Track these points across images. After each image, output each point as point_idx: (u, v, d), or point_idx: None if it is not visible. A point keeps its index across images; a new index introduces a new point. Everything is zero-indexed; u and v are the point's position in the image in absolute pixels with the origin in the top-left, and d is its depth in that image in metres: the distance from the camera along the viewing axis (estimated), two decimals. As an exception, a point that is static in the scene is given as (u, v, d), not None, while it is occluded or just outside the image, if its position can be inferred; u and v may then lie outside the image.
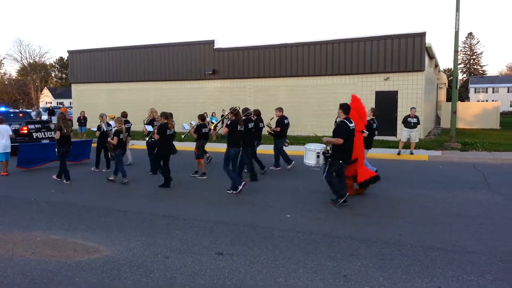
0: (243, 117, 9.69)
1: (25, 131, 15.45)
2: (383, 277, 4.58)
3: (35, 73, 60.32)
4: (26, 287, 4.47)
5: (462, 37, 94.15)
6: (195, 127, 10.84)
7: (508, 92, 78.55)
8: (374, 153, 15.18)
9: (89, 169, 12.08)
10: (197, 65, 24.07)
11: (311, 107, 21.70)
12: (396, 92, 20.08)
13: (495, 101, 43.06)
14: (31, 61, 59.58)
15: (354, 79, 20.85)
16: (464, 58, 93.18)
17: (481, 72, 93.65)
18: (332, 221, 6.73)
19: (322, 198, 8.32)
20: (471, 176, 10.75)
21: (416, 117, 14.90)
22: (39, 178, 10.99)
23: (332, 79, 21.23)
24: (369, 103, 20.49)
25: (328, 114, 21.13)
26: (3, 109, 17.75)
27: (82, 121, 21.39)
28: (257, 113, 11.38)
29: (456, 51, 16.82)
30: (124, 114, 13.10)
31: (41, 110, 30.56)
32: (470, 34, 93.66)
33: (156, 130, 9.61)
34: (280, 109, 11.81)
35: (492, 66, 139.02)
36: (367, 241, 5.70)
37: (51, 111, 29.41)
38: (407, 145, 15.13)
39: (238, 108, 8.81)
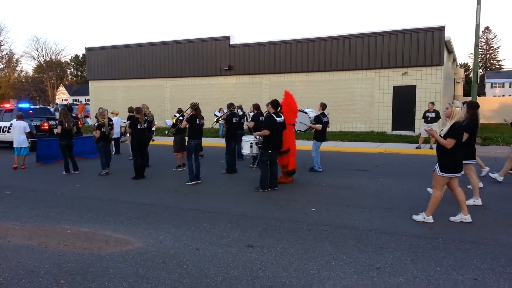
0: (228, 112, 10.83)
1: (46, 127, 15.70)
2: (416, 269, 4.56)
3: (51, 70, 61.03)
4: (63, 277, 4.55)
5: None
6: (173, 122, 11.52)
7: (523, 86, 77.20)
8: (396, 148, 15.14)
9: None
10: (213, 61, 24.14)
11: (327, 102, 21.40)
12: (415, 87, 19.87)
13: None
14: (48, 59, 60.27)
15: (371, 74, 20.69)
16: (481, 52, 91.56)
17: (498, 66, 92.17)
18: (359, 215, 6.71)
19: (346, 193, 8.31)
20: (493, 170, 10.58)
21: (435, 111, 14.72)
22: (58, 172, 11.14)
23: (349, 74, 21.09)
24: (386, 98, 20.45)
25: (345, 110, 21.09)
26: (27, 105, 18.00)
27: (89, 117, 21.62)
28: (257, 107, 11.49)
29: (476, 45, 16.59)
30: (131, 110, 13.32)
31: (59, 106, 30.92)
32: (487, 28, 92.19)
33: (128, 124, 10.29)
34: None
35: (509, 60, 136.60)
36: (396, 235, 5.67)
37: (69, 108, 29.75)
38: (427, 140, 15.00)
39: (197, 104, 9.41)
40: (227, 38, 23.70)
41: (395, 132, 19.96)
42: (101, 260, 5.01)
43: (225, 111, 12.20)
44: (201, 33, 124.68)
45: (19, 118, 11.81)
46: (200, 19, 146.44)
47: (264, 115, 11.85)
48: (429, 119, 14.65)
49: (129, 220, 6.66)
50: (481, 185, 8.10)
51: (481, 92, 76.11)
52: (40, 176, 10.90)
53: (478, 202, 7.21)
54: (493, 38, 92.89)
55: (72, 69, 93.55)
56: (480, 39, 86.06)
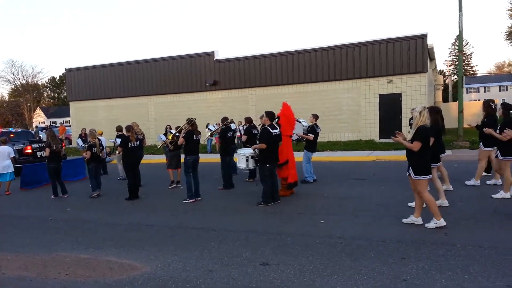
0: (223, 126, 10.59)
1: (30, 151, 15.16)
2: (444, 278, 4.36)
3: (27, 93, 59.79)
4: (70, 310, 4.20)
5: (451, 39, 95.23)
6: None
7: (499, 91, 79.23)
8: (387, 155, 15.10)
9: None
10: (198, 77, 23.95)
11: (315, 113, 21.51)
12: (400, 94, 20.04)
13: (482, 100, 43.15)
14: (24, 82, 59.09)
15: (357, 83, 20.80)
16: (455, 59, 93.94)
17: (472, 72, 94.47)
18: (370, 225, 6.51)
19: (350, 203, 8.13)
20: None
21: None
22: (46, 197, 10.67)
23: (335, 84, 21.17)
24: (373, 107, 20.54)
25: (332, 120, 21.08)
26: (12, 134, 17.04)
27: (83, 138, 21.03)
28: (249, 120, 11.40)
29: (460, 51, 16.89)
30: (119, 128, 13.03)
31: (38, 130, 30.19)
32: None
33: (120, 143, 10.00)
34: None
35: (482, 66, 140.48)
36: (414, 244, 5.48)
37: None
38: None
39: (194, 119, 9.25)
40: (212, 54, 23.58)
41: (383, 140, 20.01)
42: (109, 288, 4.67)
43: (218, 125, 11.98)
44: (185, 49, 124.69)
45: (3, 143, 11.33)
46: (183, 35, 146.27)
47: (258, 127, 11.74)
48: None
49: (130, 243, 6.31)
50: (450, 188, 8.60)
51: (457, 98, 77.66)
52: (27, 202, 10.41)
53: (445, 203, 7.34)
54: (466, 45, 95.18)
55: (49, 92, 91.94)
56: (453, 46, 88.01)
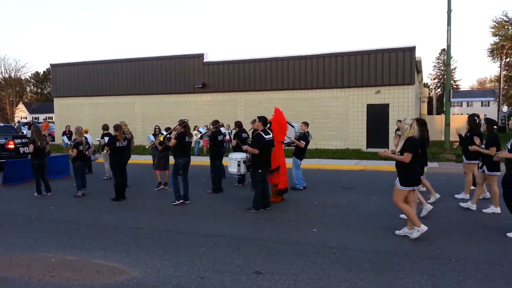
0: (214, 129, 10.45)
1: (12, 146, 14.74)
2: (441, 294, 4.32)
3: (10, 87, 58.60)
4: (56, 315, 4.01)
5: (435, 53, 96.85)
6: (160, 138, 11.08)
7: (481, 106, 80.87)
8: (375, 165, 15.17)
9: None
10: (186, 78, 23.74)
11: (303, 120, 21.45)
12: (388, 105, 20.19)
13: (468, 114, 44.00)
14: (7, 76, 57.89)
15: (345, 93, 20.89)
16: (438, 73, 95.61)
17: (455, 86, 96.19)
18: (363, 236, 6.46)
19: (341, 211, 8.09)
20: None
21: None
22: (29, 194, 10.35)
23: (324, 92, 21.22)
24: (361, 116, 20.65)
25: (321, 127, 21.09)
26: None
27: (68, 135, 20.64)
28: (239, 124, 11.34)
29: (448, 64, 17.13)
30: (106, 127, 12.83)
31: (21, 125, 29.52)
32: (444, 50, 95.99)
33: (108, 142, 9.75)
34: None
35: (464, 81, 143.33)
36: (408, 256, 5.44)
37: (31, 126, 28.41)
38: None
39: (186, 121, 9.14)
40: (201, 56, 23.41)
41: (370, 149, 20.10)
42: (97, 293, 4.49)
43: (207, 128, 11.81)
44: (174, 50, 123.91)
45: (-15, 137, 10.98)
46: (173, 36, 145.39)
47: (248, 132, 11.64)
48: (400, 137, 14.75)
49: (118, 246, 6.13)
50: (437, 196, 8.85)
51: (441, 111, 79.00)
52: (9, 199, 10.08)
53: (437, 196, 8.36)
54: (450, 59, 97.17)
55: (32, 87, 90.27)
56: (437, 60, 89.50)
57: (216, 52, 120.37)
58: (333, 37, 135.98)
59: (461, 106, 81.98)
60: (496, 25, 46.12)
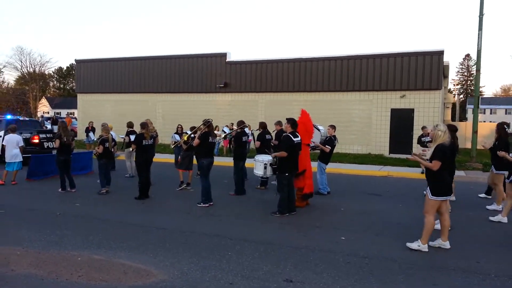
0: (238, 130, 10.30)
1: (37, 141, 14.91)
2: (484, 312, 4.11)
3: (34, 82, 59.70)
4: (85, 317, 3.94)
5: (459, 59, 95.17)
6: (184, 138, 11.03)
7: (505, 113, 79.06)
8: (399, 171, 14.86)
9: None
10: (208, 77, 23.71)
11: (325, 123, 21.15)
12: (412, 110, 19.79)
13: (493, 122, 42.93)
14: (31, 70, 58.99)
15: (369, 96, 20.57)
16: (462, 79, 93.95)
17: (479, 93, 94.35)
18: (394, 245, 6.24)
19: (369, 219, 7.87)
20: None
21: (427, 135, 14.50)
22: (53, 190, 10.41)
23: (347, 95, 20.93)
24: (384, 121, 20.29)
25: (343, 131, 20.70)
26: (9, 117, 17.02)
27: (91, 131, 20.85)
28: (263, 125, 11.20)
29: (478, 70, 16.68)
30: (130, 124, 12.83)
31: (44, 120, 29.96)
32: (468, 55, 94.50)
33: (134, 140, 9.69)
34: (279, 123, 11.49)
35: (488, 87, 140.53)
36: (444, 269, 5.22)
37: (54, 121, 28.80)
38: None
39: (210, 120, 9.01)
40: (224, 55, 23.36)
41: (392, 155, 19.75)
42: (125, 295, 4.41)
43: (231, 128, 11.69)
44: (197, 49, 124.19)
45: (12, 131, 11.10)
46: (195, 35, 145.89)
47: (272, 133, 11.50)
48: (425, 143, 14.40)
49: (144, 246, 6.05)
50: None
51: (463, 118, 77.57)
52: (34, 194, 10.15)
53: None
54: (473, 65, 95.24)
55: (55, 82, 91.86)
56: (460, 66, 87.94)
57: (239, 51, 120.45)
58: (358, 40, 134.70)
59: (484, 113, 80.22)
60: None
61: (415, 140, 19.53)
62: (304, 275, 5.01)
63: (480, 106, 79.34)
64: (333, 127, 10.56)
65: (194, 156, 10.06)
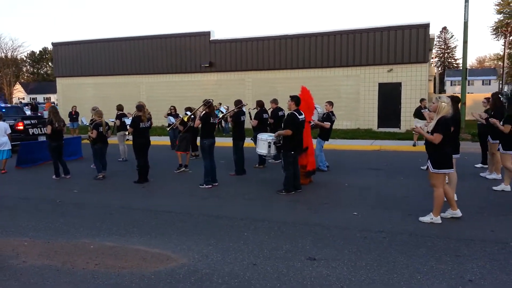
0: (236, 110, 10.03)
1: (21, 127, 14.40)
2: (512, 280, 4.13)
3: (7, 67, 57.65)
4: (113, 306, 3.80)
5: (436, 32, 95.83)
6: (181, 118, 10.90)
7: (482, 84, 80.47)
8: (387, 145, 14.96)
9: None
10: (193, 57, 23.25)
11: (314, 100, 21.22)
12: (400, 84, 19.86)
13: (471, 93, 43.55)
14: (3, 55, 56.87)
15: (356, 71, 20.52)
16: (439, 52, 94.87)
17: (455, 65, 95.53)
18: (407, 219, 6.22)
19: (376, 194, 7.89)
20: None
21: (427, 108, 14.61)
22: (46, 177, 10.10)
23: (334, 71, 20.84)
24: (372, 95, 20.35)
25: (331, 107, 20.73)
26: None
27: (74, 116, 20.31)
28: (260, 104, 11.03)
29: (465, 42, 16.69)
30: (120, 107, 12.50)
31: (22, 105, 29.03)
32: (444, 28, 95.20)
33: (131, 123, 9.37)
34: (274, 101, 11.39)
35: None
36: (462, 240, 5.23)
37: (34, 107, 27.99)
38: (420, 137, 14.86)
39: (211, 101, 8.79)
40: (207, 34, 22.87)
41: (381, 129, 19.89)
42: (149, 281, 4.28)
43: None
44: (180, 27, 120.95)
45: (-1, 118, 10.67)
46: (179, 13, 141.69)
47: (268, 111, 11.34)
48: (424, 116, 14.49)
49: (155, 231, 5.91)
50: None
51: (442, 90, 78.64)
52: (26, 182, 9.83)
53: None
54: (450, 37, 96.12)
55: (29, 67, 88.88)
56: (438, 39, 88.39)
57: (223, 29, 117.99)
58: (343, 14, 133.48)
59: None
60: (501, 2, 45.49)
61: (403, 114, 19.78)
62: (325, 252, 4.96)
63: (457, 78, 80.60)
64: (330, 103, 10.46)
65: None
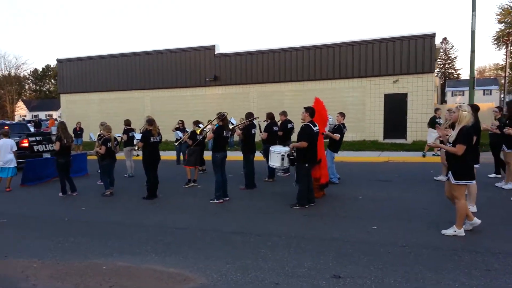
0: (247, 123, 9.86)
1: (26, 144, 14.25)
2: (551, 297, 3.91)
3: (10, 85, 57.88)
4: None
5: (437, 42, 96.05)
6: (189, 133, 10.84)
7: (483, 94, 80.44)
8: (398, 156, 14.76)
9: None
10: (197, 71, 23.21)
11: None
12: (406, 94, 19.71)
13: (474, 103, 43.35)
14: (6, 73, 57.14)
15: (362, 82, 20.40)
16: (440, 62, 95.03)
17: (456, 76, 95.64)
18: (430, 232, 6.00)
19: (393, 206, 7.66)
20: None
21: (440, 118, 14.45)
22: (52, 195, 9.91)
23: (340, 82, 20.73)
24: (378, 106, 20.19)
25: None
26: None
27: (79, 132, 20.19)
28: (271, 116, 10.91)
29: (472, 51, 16.59)
30: (128, 122, 12.38)
31: (25, 122, 28.98)
32: (445, 39, 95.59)
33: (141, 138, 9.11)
34: (284, 113, 11.28)
35: (466, 70, 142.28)
36: (488, 253, 5.02)
37: (37, 124, 27.93)
38: (431, 148, 14.66)
39: (225, 114, 8.63)
40: (212, 48, 22.86)
41: (387, 140, 19.69)
42: (168, 304, 4.07)
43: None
44: (185, 42, 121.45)
45: (4, 135, 10.52)
46: (183, 28, 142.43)
47: (278, 124, 11.19)
48: (440, 125, 14.30)
49: (170, 249, 5.70)
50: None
51: (443, 101, 78.55)
52: (33, 200, 9.63)
53: (473, 209, 6.80)
54: (451, 48, 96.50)
55: (31, 84, 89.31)
56: (439, 49, 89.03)
57: (228, 43, 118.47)
58: (348, 26, 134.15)
59: (463, 95, 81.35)
60: (503, 12, 45.62)
61: (409, 125, 19.61)
62: (350, 269, 4.74)
63: (459, 88, 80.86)
64: (342, 114, 10.32)
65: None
